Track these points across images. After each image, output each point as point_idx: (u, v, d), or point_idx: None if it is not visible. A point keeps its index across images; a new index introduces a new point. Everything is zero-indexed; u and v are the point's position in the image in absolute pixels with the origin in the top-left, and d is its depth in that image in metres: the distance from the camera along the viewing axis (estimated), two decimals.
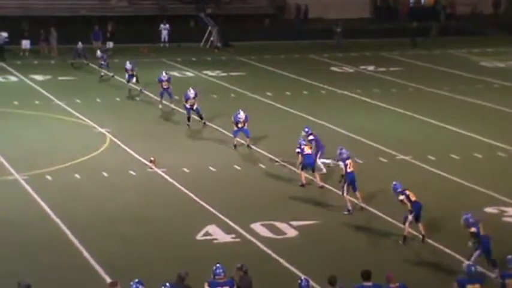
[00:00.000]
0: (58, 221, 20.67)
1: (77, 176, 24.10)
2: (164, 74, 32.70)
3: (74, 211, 21.47)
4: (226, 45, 48.69)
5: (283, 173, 24.83)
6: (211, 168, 24.99)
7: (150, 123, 30.46)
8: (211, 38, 49.15)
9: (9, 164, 25.00)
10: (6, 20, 45.67)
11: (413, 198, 19.27)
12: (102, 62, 37.70)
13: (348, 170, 21.15)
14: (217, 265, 14.98)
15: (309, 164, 23.31)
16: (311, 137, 24.27)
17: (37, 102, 33.55)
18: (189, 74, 41.04)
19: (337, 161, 21.59)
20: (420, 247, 19.26)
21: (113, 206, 21.88)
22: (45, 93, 35.10)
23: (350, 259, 18.46)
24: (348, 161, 21.25)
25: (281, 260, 18.49)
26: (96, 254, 18.53)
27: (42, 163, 25.06)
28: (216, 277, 14.85)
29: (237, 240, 19.70)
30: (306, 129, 24.63)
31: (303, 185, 23.36)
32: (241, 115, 26.95)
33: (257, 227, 20.35)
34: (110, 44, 45.17)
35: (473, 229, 17.33)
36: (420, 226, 19.41)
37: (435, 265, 18.22)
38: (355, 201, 21.49)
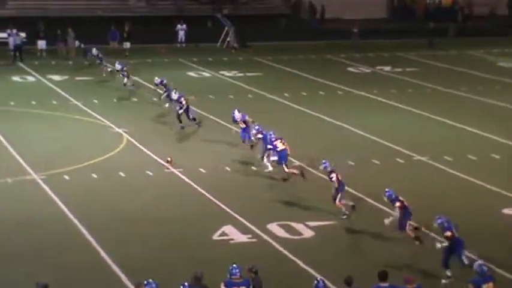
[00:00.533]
0: (76, 221, 20.74)
1: (94, 176, 24.19)
2: (156, 78, 32.48)
3: (91, 211, 21.54)
4: (244, 46, 48.72)
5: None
6: (227, 168, 25.01)
7: (166, 124, 30.49)
8: (228, 39, 49.20)
9: (27, 164, 25.12)
10: (24, 20, 45.92)
11: (406, 204, 19.21)
12: (123, 73, 36.78)
13: (339, 179, 20.88)
14: (234, 265, 15.00)
15: (284, 158, 23.43)
16: (259, 136, 24.52)
17: (54, 102, 33.70)
18: (206, 74, 41.09)
19: (329, 173, 21.20)
20: (433, 247, 19.15)
21: (130, 206, 21.94)
22: (63, 93, 35.24)
23: (366, 260, 18.42)
24: (333, 174, 20.96)
25: (297, 261, 18.48)
26: (113, 254, 18.57)
27: (59, 163, 25.16)
28: (232, 277, 14.87)
29: (254, 240, 19.70)
30: (257, 127, 24.85)
31: (285, 179, 23.73)
32: (236, 115, 26.61)
33: (273, 227, 20.35)
34: (127, 45, 45.30)
35: (448, 233, 17.29)
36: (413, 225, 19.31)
37: (451, 266, 18.12)
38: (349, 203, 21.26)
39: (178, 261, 18.36)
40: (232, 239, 19.76)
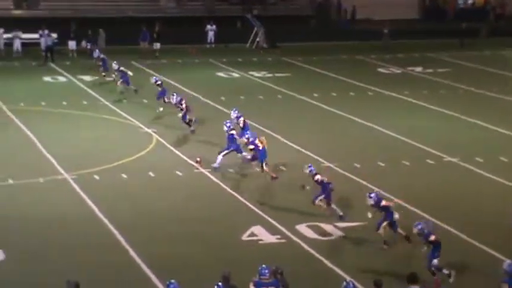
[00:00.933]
0: (105, 220, 20.83)
1: (124, 176, 24.27)
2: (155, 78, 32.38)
3: (121, 211, 21.62)
4: (273, 47, 48.69)
5: (329, 174, 24.71)
6: (256, 168, 24.96)
7: (196, 124, 30.52)
8: (258, 39, 49.19)
9: (58, 163, 25.28)
10: (56, 21, 46.24)
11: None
12: (121, 74, 36.04)
13: (325, 182, 20.76)
14: (263, 265, 15.00)
15: (264, 157, 23.47)
16: (232, 132, 24.53)
17: (85, 102, 33.88)
18: (235, 74, 41.11)
19: (313, 176, 20.98)
20: (466, 250, 19.02)
21: (159, 206, 21.98)
22: (93, 93, 35.42)
23: (396, 262, 18.30)
24: (318, 176, 20.81)
25: (326, 262, 18.40)
26: (142, 254, 18.61)
27: (90, 163, 25.28)
28: (262, 277, 14.87)
29: (283, 241, 19.65)
30: (228, 124, 24.81)
31: (275, 177, 23.68)
32: (232, 114, 26.39)
33: (302, 228, 20.29)
34: (157, 45, 45.43)
35: (433, 237, 17.15)
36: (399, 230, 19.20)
37: (482, 268, 17.96)
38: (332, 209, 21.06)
39: (206, 261, 18.35)
40: (261, 240, 19.72)
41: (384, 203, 19.06)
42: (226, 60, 44.32)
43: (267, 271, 14.95)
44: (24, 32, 44.89)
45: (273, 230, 20.20)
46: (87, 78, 38.84)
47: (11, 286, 16.67)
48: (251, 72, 41.30)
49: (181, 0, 52.45)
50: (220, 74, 41.21)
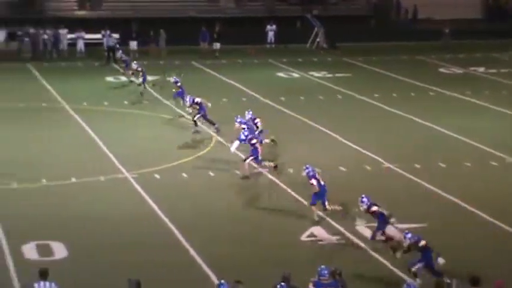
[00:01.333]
0: (166, 220, 21.00)
1: (184, 175, 24.44)
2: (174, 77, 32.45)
3: (181, 210, 21.77)
4: (333, 47, 48.52)
5: (389, 175, 24.57)
6: (318, 170, 24.89)
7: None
8: (318, 39, 49.09)
9: (120, 162, 25.57)
10: (118, 21, 46.78)
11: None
12: (141, 73, 36.13)
13: (321, 183, 20.64)
14: (322, 266, 14.97)
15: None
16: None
17: (146, 102, 34.17)
18: (295, 75, 41.09)
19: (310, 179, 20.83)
20: None
21: (219, 206, 22.06)
22: (154, 93, 35.70)
23: (456, 263, 18.06)
24: (314, 180, 20.62)
25: (386, 263, 18.27)
26: (203, 254, 18.71)
27: (150, 162, 25.51)
28: (321, 278, 14.86)
29: (342, 242, 19.57)
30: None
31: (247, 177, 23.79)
32: (246, 116, 26.24)
33: (362, 229, 20.17)
34: (217, 45, 45.64)
35: (423, 242, 16.93)
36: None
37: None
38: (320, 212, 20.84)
39: (266, 261, 18.36)
40: (320, 240, 19.68)
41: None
42: (286, 61, 44.30)
43: (326, 272, 14.93)
44: (88, 32, 45.54)
45: (332, 231, 20.13)
46: (149, 78, 39.05)
47: (73, 283, 16.90)
48: (311, 73, 41.22)
49: (241, 0, 52.59)
50: (280, 74, 41.22)
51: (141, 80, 34.59)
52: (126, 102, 34.03)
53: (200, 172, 24.68)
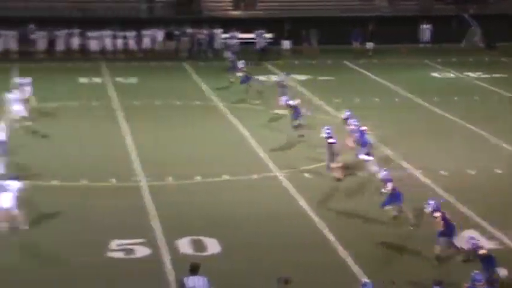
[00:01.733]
0: (316, 219, 20.99)
1: (334, 174, 24.29)
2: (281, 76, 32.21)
3: (331, 209, 21.70)
4: (490, 47, 47.16)
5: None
6: (469, 171, 24.32)
7: (407, 123, 30.09)
8: (474, 39, 47.87)
9: (271, 160, 25.76)
10: (270, 21, 47.25)
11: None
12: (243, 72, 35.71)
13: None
14: (476, 271, 14.70)
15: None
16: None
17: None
18: (450, 75, 40.23)
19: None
20: None
21: (368, 206, 21.78)
22: (305, 91, 35.69)
23: None
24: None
25: None
26: (352, 254, 18.60)
27: (300, 162, 25.56)
28: (476, 283, 14.54)
29: (500, 247, 18.94)
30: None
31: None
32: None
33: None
34: (370, 45, 45.27)
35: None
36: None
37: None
38: None
39: (407, 260, 18.02)
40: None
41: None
42: (441, 60, 43.42)
43: (480, 277, 14.60)
44: (241, 32, 46.22)
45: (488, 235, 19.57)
46: (302, 77, 39.22)
47: (225, 278, 17.15)
48: (466, 73, 40.22)
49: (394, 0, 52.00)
50: (435, 74, 40.48)
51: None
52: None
53: (348, 172, 24.45)
